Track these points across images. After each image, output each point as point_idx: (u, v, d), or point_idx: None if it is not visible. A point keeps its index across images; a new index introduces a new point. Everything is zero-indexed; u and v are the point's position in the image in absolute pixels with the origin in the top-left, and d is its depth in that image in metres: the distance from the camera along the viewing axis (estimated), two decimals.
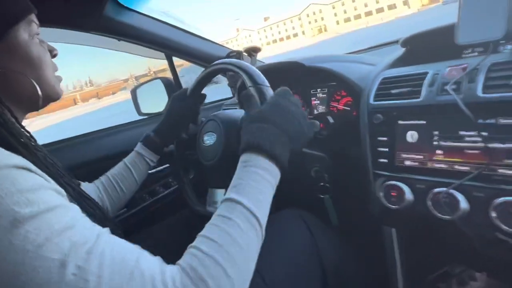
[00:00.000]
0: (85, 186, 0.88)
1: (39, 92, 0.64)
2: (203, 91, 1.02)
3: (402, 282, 0.84)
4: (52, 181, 0.50)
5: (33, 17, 0.66)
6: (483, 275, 0.81)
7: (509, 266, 0.72)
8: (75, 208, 0.47)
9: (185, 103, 1.00)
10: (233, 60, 0.89)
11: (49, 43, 0.71)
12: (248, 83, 0.81)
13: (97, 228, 0.46)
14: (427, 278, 0.85)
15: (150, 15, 1.34)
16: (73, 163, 1.09)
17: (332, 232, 0.91)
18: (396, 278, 0.85)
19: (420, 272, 0.86)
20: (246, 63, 0.86)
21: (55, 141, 1.15)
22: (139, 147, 0.97)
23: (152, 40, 1.36)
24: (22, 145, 0.54)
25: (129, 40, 1.33)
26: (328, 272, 0.83)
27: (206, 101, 1.56)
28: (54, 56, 0.71)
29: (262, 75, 0.82)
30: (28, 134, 0.61)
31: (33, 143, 0.60)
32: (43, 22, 0.69)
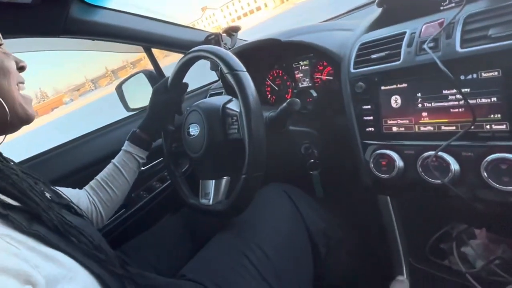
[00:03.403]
0: (76, 193, 0.87)
1: (6, 108, 0.58)
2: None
3: (402, 247, 0.84)
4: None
5: None
6: (482, 231, 0.80)
7: (505, 219, 0.71)
8: None
9: (167, 95, 0.98)
10: (208, 46, 0.87)
11: (17, 54, 0.66)
12: (225, 70, 0.79)
13: None
14: (428, 241, 0.84)
15: (120, 9, 1.30)
16: (63, 172, 1.08)
17: (316, 203, 0.92)
18: (397, 244, 0.85)
19: (420, 235, 0.85)
20: (220, 48, 0.84)
21: (40, 152, 1.14)
22: (126, 145, 0.96)
23: (127, 35, 1.32)
24: None
25: (103, 39, 1.29)
26: (317, 239, 0.84)
27: (193, 86, 1.55)
28: (21, 69, 0.66)
29: (237, 60, 0.80)
30: None
31: (5, 165, 0.57)
32: (6, 33, 0.65)
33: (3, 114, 0.59)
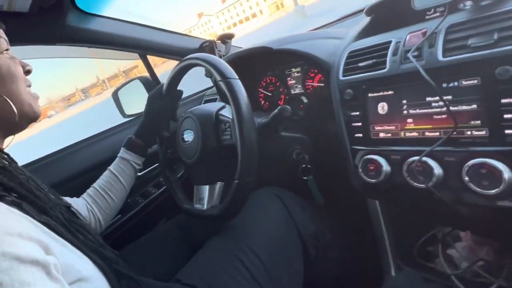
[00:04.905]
0: (74, 201, 0.88)
1: (14, 109, 0.61)
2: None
3: (390, 250, 0.86)
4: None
5: (1, 33, 0.65)
6: (467, 234, 0.82)
7: (489, 223, 0.73)
8: None
9: (162, 101, 1.00)
10: (201, 54, 0.89)
11: None
12: (218, 77, 0.82)
13: None
14: (415, 243, 0.86)
15: (116, 17, 1.32)
16: (60, 178, 1.09)
17: (308, 205, 0.94)
18: (385, 247, 0.87)
19: (408, 238, 0.87)
20: (213, 56, 0.86)
21: (38, 158, 1.15)
22: (122, 152, 0.97)
23: (123, 42, 1.34)
24: (2, 169, 0.54)
25: (99, 46, 1.31)
26: (307, 241, 0.86)
27: (188, 93, 1.57)
28: (27, 72, 0.68)
29: (229, 68, 0.82)
30: (7, 157, 0.61)
31: (13, 166, 0.60)
32: None
33: (11, 115, 0.61)
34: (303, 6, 18.30)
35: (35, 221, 0.49)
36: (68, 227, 0.57)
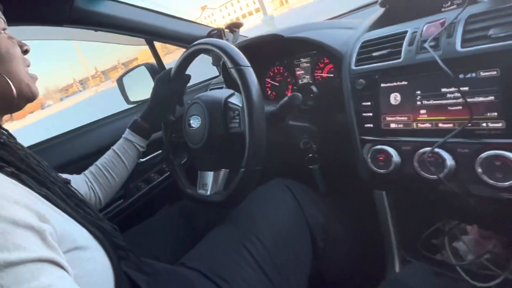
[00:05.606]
0: (73, 178, 0.87)
1: (12, 87, 0.60)
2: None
3: (395, 242, 0.85)
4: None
5: None
6: (474, 227, 0.81)
7: (498, 216, 0.73)
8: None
9: (169, 85, 0.99)
10: (214, 40, 0.87)
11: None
12: (229, 64, 0.80)
13: None
14: (420, 236, 0.86)
15: (124, 1, 1.30)
16: (63, 161, 1.09)
17: (318, 198, 0.93)
18: (390, 239, 0.86)
19: (413, 230, 0.87)
20: (226, 43, 0.85)
21: (40, 141, 1.14)
22: (127, 133, 0.97)
23: (130, 27, 1.33)
24: (1, 144, 0.54)
25: (106, 30, 1.29)
26: (316, 233, 0.86)
27: (193, 81, 1.56)
28: (25, 52, 0.68)
29: (242, 56, 0.81)
30: (6, 133, 0.61)
31: (12, 142, 0.59)
32: (11, 21, 0.68)
33: (10, 93, 0.60)
34: (272, 16, 18.01)
35: (34, 193, 0.49)
36: (68, 201, 0.57)
